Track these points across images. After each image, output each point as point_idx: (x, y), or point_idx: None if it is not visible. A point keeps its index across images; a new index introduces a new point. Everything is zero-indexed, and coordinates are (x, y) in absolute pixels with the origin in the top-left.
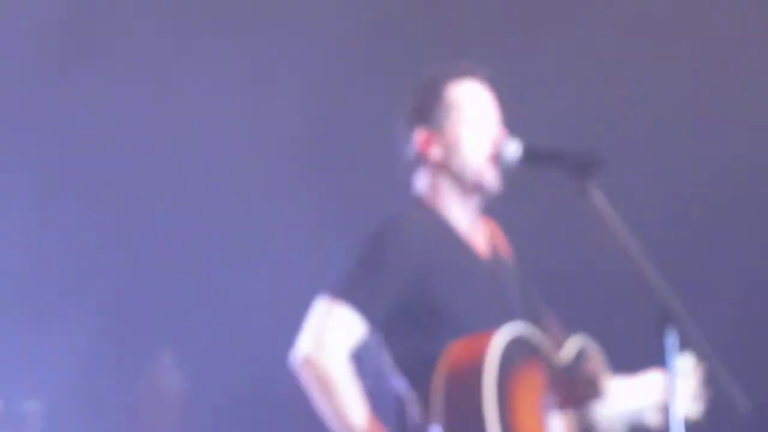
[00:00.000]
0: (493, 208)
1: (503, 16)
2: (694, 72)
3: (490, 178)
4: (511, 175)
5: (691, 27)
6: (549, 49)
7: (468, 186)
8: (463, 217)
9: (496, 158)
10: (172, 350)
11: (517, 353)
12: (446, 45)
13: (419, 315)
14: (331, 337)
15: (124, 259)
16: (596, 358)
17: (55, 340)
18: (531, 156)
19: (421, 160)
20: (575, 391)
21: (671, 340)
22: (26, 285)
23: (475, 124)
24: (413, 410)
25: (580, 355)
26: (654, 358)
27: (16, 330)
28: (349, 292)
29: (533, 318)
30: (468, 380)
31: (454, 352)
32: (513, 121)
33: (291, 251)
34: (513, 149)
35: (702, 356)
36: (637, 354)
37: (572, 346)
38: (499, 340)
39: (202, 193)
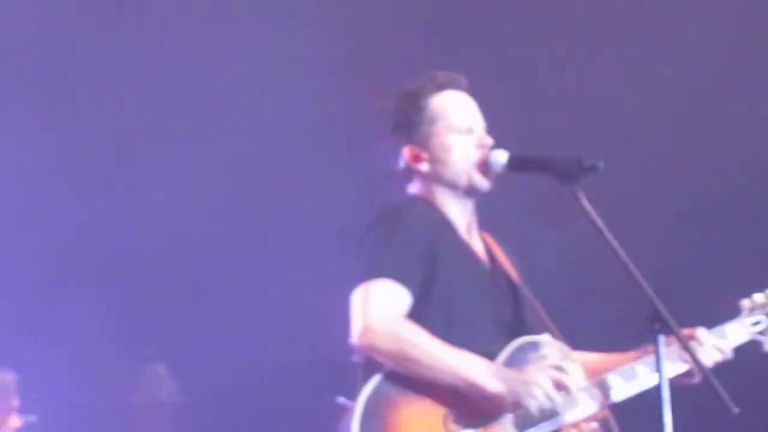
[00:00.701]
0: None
1: (499, 18)
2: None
3: (481, 181)
4: (499, 180)
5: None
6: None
7: (460, 191)
8: (461, 219)
9: (484, 163)
10: (165, 360)
11: (398, 391)
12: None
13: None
14: (378, 307)
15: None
16: (545, 357)
17: (52, 353)
18: (517, 163)
19: (411, 173)
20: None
21: (660, 343)
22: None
23: (460, 131)
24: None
25: (512, 359)
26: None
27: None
28: (382, 268)
29: (529, 327)
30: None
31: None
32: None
33: (297, 255)
34: (500, 156)
35: (691, 360)
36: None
37: (507, 351)
38: (363, 394)
39: (215, 194)
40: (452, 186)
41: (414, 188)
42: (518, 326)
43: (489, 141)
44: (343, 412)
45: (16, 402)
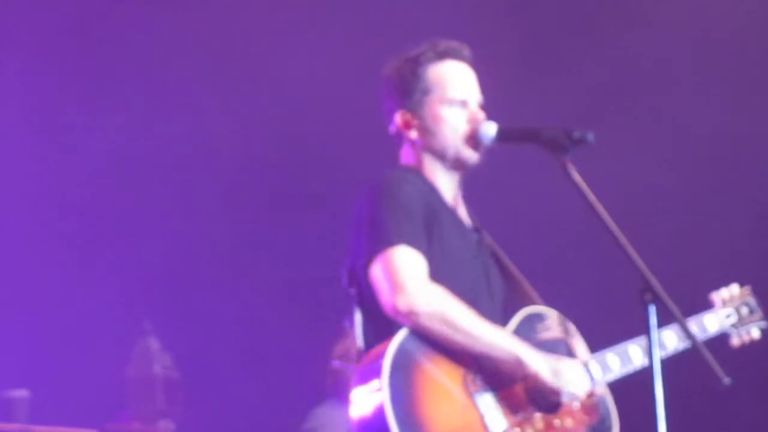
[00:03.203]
0: (477, 183)
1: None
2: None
3: (469, 155)
4: (490, 152)
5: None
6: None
7: (448, 163)
8: (448, 190)
9: (474, 137)
10: (158, 334)
11: (422, 349)
12: None
13: None
14: (410, 272)
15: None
16: (549, 328)
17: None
18: (506, 135)
19: (402, 139)
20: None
21: (651, 314)
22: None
23: (454, 104)
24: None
25: (520, 329)
26: (635, 331)
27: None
28: (397, 236)
29: (507, 286)
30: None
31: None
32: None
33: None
34: (489, 128)
35: (682, 330)
36: (619, 327)
37: (515, 320)
38: (392, 347)
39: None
40: (440, 157)
41: (405, 155)
42: (507, 296)
43: (481, 115)
44: (339, 374)
45: None
